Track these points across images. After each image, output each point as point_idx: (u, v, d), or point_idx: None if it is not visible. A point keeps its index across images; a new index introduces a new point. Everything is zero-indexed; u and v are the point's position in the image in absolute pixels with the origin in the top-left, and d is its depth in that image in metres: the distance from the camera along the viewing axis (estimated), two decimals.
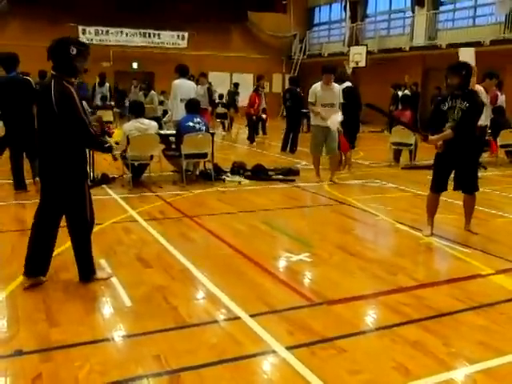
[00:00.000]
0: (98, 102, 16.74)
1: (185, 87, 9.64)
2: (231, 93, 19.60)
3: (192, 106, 8.76)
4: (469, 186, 5.84)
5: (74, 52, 4.00)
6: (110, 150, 4.42)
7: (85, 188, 4.22)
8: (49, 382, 2.90)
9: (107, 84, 17.69)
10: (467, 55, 11.58)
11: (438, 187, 5.87)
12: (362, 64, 21.59)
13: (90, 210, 4.29)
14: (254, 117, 15.33)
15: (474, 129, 5.81)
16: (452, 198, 6.68)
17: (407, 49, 21.45)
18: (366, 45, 22.57)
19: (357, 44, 23.64)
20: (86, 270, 4.33)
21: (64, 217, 4.25)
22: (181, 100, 9.35)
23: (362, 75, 20.56)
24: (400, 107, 14.00)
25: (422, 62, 21.36)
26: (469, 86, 5.76)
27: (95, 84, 17.56)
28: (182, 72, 9.82)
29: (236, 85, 20.22)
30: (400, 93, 17.68)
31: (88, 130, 4.04)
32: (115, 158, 5.08)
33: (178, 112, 9.28)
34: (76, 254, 4.32)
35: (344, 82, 10.15)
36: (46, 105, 3.97)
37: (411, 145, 11.13)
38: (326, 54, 26.06)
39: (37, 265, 4.20)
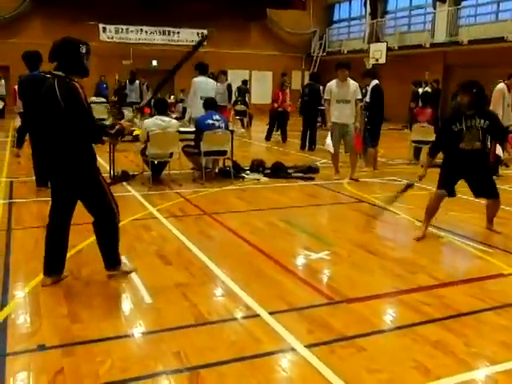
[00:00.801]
0: (132, 99, 16.86)
1: (204, 85, 9.66)
2: (242, 89, 19.40)
3: (209, 104, 8.78)
4: (491, 192, 5.78)
5: (84, 51, 4.02)
6: (118, 133, 4.28)
7: (100, 180, 4.24)
8: (71, 377, 2.94)
9: (137, 81, 17.85)
10: None
11: (446, 185, 5.74)
12: (382, 61, 21.42)
13: (114, 200, 4.32)
14: (280, 109, 15.13)
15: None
16: (473, 197, 6.61)
17: (428, 45, 21.23)
18: (386, 41, 22.40)
19: (377, 41, 23.46)
20: (113, 260, 4.40)
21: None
22: (200, 98, 9.36)
23: (381, 72, 20.35)
24: (420, 104, 13.89)
25: (443, 58, 21.13)
26: (482, 104, 5.66)
27: (126, 82, 17.72)
28: (202, 70, 9.84)
29: (245, 82, 20.01)
30: (421, 90, 17.51)
31: (94, 123, 4.06)
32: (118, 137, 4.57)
33: (198, 109, 9.30)
34: (103, 244, 4.36)
35: (374, 78, 10.10)
36: (51, 104, 3.94)
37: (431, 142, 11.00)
38: (345, 51, 25.92)
39: (55, 263, 4.26)
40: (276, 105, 15.21)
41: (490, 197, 5.83)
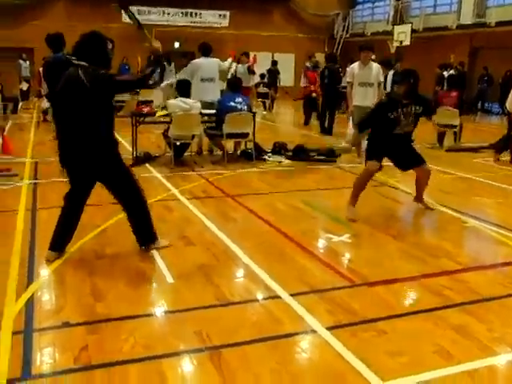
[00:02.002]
0: (171, 78, 16.99)
1: (205, 66, 9.19)
2: (272, 71, 19.09)
3: (234, 85, 8.74)
4: (417, 159, 5.84)
5: (110, 46, 4.25)
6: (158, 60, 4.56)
7: (123, 163, 4.36)
8: (95, 354, 2.99)
9: (173, 63, 18.02)
10: None
11: (376, 157, 5.75)
12: (407, 43, 21.06)
13: (136, 179, 4.45)
14: (314, 94, 14.85)
15: None
16: (498, 182, 6.54)
17: (454, 27, 20.82)
18: (411, 23, 22.01)
19: (401, 22, 23.08)
20: (149, 237, 4.51)
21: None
22: (201, 79, 9.05)
23: (406, 55, 20.10)
24: (446, 88, 13.67)
25: (470, 40, 20.72)
26: (416, 92, 5.70)
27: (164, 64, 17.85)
28: (205, 51, 9.35)
29: (275, 62, 19.60)
30: (446, 73, 17.23)
31: (133, 82, 4.48)
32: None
33: (197, 92, 8.84)
34: (137, 225, 4.46)
35: (391, 68, 9.96)
36: (76, 91, 3.99)
37: (456, 126, 10.86)
38: (369, 33, 25.57)
39: (62, 241, 4.38)
40: (313, 87, 14.83)
41: (418, 164, 5.84)
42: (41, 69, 12.08)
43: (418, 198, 6.09)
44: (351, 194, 5.83)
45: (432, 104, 6.05)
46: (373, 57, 9.52)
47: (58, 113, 4.15)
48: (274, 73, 18.93)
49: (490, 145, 10.26)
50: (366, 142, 6.05)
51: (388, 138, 5.70)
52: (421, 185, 6.02)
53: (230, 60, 10.07)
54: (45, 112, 13.24)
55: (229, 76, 10.42)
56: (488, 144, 10.48)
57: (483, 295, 3.87)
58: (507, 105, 9.49)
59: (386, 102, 6.06)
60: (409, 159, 5.86)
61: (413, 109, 5.62)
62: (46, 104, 12.40)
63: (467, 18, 20.59)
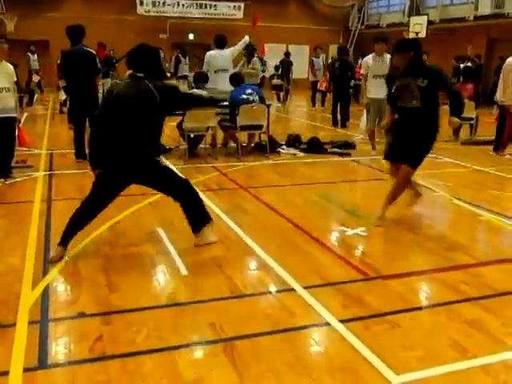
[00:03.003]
0: (185, 72, 17.21)
1: (215, 59, 9.34)
2: (286, 62, 18.90)
3: (235, 80, 8.68)
4: (408, 155, 5.17)
5: (163, 56, 4.26)
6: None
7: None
8: (109, 344, 3.02)
9: (187, 56, 18.30)
10: None
11: (391, 152, 5.41)
12: (423, 35, 20.83)
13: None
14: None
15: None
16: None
17: (471, 18, 20.54)
18: (427, 14, 21.77)
19: (417, 14, 22.83)
20: (203, 219, 4.54)
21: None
22: (215, 71, 9.20)
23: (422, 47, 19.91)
24: (462, 80, 13.53)
25: (487, 32, 20.43)
26: (419, 66, 5.18)
27: (178, 56, 18.06)
28: (219, 43, 9.50)
29: (288, 54, 19.26)
30: (462, 65, 17.05)
31: (196, 98, 5.05)
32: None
33: (212, 83, 9.02)
34: (192, 212, 4.49)
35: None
36: (144, 102, 4.10)
37: (472, 119, 10.75)
38: (384, 25, 25.33)
39: (70, 238, 4.30)
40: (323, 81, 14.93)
41: (405, 160, 5.17)
42: (58, 61, 12.22)
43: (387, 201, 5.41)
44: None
45: (448, 79, 5.36)
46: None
47: (110, 117, 4.16)
48: (287, 64, 18.79)
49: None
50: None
51: (399, 115, 5.33)
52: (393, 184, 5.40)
53: (246, 38, 10.13)
54: (63, 104, 13.35)
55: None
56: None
57: (498, 290, 3.83)
58: (497, 96, 9.28)
59: (388, 73, 5.80)
60: (406, 149, 5.17)
61: (413, 82, 5.05)
62: (63, 96, 12.51)
63: (485, 8, 20.29)
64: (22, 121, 12.32)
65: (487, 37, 20.53)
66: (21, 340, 3.02)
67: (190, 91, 5.09)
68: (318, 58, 17.14)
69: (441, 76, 5.17)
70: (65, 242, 4.27)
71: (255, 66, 15.42)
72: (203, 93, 4.57)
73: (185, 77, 16.75)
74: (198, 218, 4.53)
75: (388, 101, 5.56)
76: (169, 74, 14.86)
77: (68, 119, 11.03)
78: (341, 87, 12.86)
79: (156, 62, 4.32)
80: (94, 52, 7.81)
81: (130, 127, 4.14)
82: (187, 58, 18.44)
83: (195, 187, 4.62)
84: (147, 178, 4.34)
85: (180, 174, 4.60)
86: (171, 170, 4.59)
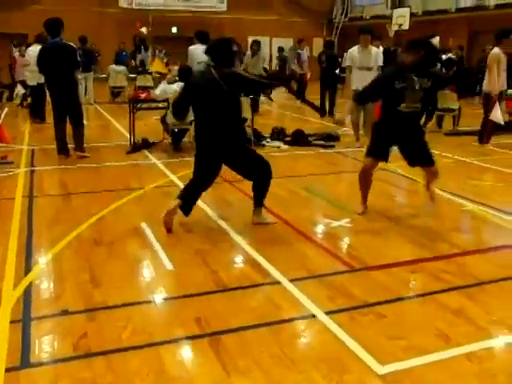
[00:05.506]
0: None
1: (199, 52, 8.81)
2: (282, 57, 18.76)
3: (183, 74, 8.50)
4: (426, 158, 5.30)
5: (235, 49, 4.75)
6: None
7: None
8: (94, 341, 2.99)
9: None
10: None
11: (377, 152, 5.32)
12: (405, 27, 20.91)
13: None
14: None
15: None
16: (497, 166, 6.52)
17: (453, 10, 20.67)
18: (410, 6, 21.84)
19: (400, 6, 22.89)
20: (262, 201, 5.01)
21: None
22: (198, 63, 8.93)
23: (404, 39, 19.96)
24: (444, 71, 13.58)
25: (468, 24, 20.57)
26: (429, 66, 5.16)
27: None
28: (201, 38, 9.27)
29: (282, 49, 19.13)
30: (444, 56, 17.11)
31: (260, 82, 5.07)
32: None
33: None
34: (259, 191, 4.94)
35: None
36: (212, 90, 4.54)
37: (455, 110, 10.83)
38: (368, 17, 25.39)
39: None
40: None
41: (425, 164, 5.33)
42: (17, 54, 12.61)
43: (427, 185, 5.64)
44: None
45: (447, 78, 5.42)
46: (380, 47, 9.49)
47: (196, 111, 4.75)
48: (284, 59, 18.74)
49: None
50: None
51: (394, 118, 5.18)
52: (428, 181, 5.55)
53: None
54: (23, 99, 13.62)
55: None
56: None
57: (482, 279, 3.86)
58: (484, 87, 9.28)
59: (391, 69, 5.52)
60: (417, 154, 5.31)
61: (420, 82, 4.97)
62: (22, 90, 13.02)
63: (467, 1, 20.42)
64: (2, 116, 12.19)
65: (469, 29, 20.65)
66: (3, 339, 2.98)
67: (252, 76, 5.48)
68: (303, 50, 17.17)
69: (441, 76, 5.28)
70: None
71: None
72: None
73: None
74: (263, 197, 4.95)
75: (375, 96, 5.55)
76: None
77: (30, 113, 11.37)
78: (328, 78, 13.47)
79: (225, 52, 4.66)
80: (73, 45, 7.72)
81: (208, 114, 4.61)
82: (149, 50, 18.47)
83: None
84: (238, 158, 4.79)
85: (264, 159, 4.91)
86: (254, 151, 5.05)
